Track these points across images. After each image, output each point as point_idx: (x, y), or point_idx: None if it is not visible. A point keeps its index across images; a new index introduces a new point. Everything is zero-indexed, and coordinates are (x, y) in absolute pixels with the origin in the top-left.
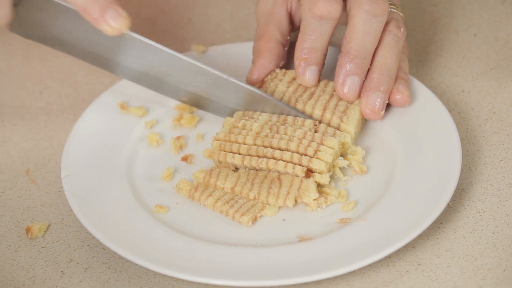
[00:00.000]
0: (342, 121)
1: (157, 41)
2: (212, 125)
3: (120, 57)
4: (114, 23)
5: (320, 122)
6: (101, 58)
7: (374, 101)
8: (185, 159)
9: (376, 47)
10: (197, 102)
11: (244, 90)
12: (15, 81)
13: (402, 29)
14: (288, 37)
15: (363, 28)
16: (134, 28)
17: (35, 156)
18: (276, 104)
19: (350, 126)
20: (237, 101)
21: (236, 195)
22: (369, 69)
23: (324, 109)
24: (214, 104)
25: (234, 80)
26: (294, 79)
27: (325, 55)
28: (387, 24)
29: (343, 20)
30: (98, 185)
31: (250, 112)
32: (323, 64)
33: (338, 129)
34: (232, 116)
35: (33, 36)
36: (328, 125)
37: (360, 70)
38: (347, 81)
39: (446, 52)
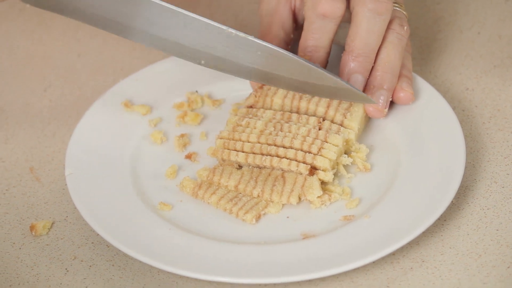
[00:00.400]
0: (345, 117)
1: None
2: (217, 123)
3: (135, 22)
4: None
5: (324, 119)
6: (116, 24)
7: (377, 99)
8: (189, 157)
9: (379, 45)
10: (216, 64)
11: (264, 48)
12: (19, 79)
13: (405, 27)
14: (292, 36)
15: (366, 27)
16: None
17: (39, 154)
18: (297, 62)
19: (354, 122)
20: (257, 60)
21: (240, 193)
22: (373, 67)
23: (328, 106)
24: (234, 65)
25: (254, 39)
26: None
27: (329, 53)
28: (390, 22)
29: (347, 18)
30: (102, 183)
31: (254, 110)
32: (327, 62)
33: (341, 125)
34: (251, 79)
35: (45, 4)
36: (332, 121)
37: (363, 69)
38: (351, 80)
39: (450, 50)
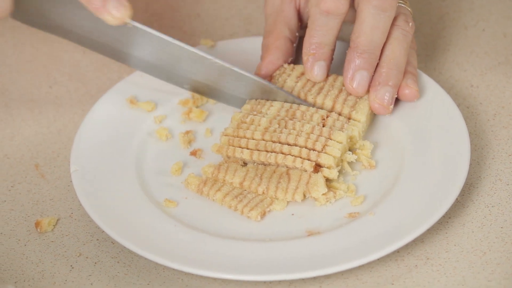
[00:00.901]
0: (353, 109)
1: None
2: (222, 120)
3: (126, 47)
4: (116, 12)
5: (331, 111)
6: (106, 47)
7: (383, 95)
8: (194, 153)
9: (384, 42)
10: (208, 92)
11: (254, 82)
12: (24, 76)
13: (410, 24)
14: (297, 34)
15: (371, 23)
16: (142, 22)
17: (44, 151)
18: (286, 96)
19: (361, 115)
20: (248, 92)
21: (245, 190)
22: (378, 63)
23: (335, 100)
24: (225, 95)
25: (244, 72)
26: (302, 74)
27: (333, 50)
28: (395, 18)
29: (351, 17)
30: (107, 180)
31: (259, 107)
32: (332, 59)
33: (349, 118)
34: (245, 106)
35: (36, 24)
36: (340, 114)
37: (369, 65)
38: (356, 76)
39: (455, 47)
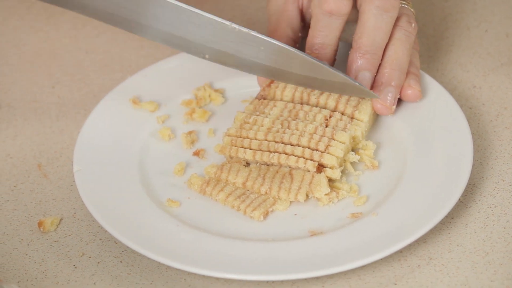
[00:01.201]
0: (356, 109)
1: None
2: (224, 120)
3: (144, 19)
4: None
5: (334, 111)
6: (123, 20)
7: (385, 96)
8: (196, 153)
9: (387, 43)
10: (220, 59)
11: (272, 45)
12: (27, 76)
13: (413, 24)
14: (300, 34)
15: (374, 24)
16: None
17: (47, 151)
18: (304, 60)
19: (363, 115)
20: (260, 55)
21: (248, 190)
22: (380, 64)
23: (338, 100)
24: (238, 60)
25: (262, 36)
26: None
27: (336, 50)
28: (398, 19)
29: (354, 17)
30: (110, 180)
31: (262, 107)
32: (334, 59)
33: (352, 118)
34: (261, 75)
35: (56, 0)
36: (342, 114)
37: (371, 66)
38: (358, 77)
39: (457, 48)
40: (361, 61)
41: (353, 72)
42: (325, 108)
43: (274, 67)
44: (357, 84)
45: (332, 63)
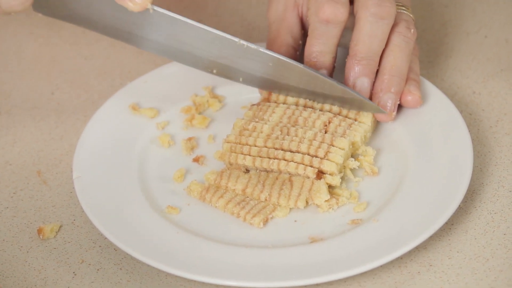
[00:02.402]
0: (358, 114)
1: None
2: (224, 126)
3: (146, 32)
4: None
5: (338, 114)
6: (125, 33)
7: (385, 102)
8: (196, 160)
9: (386, 49)
10: (225, 73)
11: (272, 58)
12: (26, 82)
13: (412, 30)
14: (300, 42)
15: (369, 31)
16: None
17: (46, 157)
18: (304, 71)
19: (367, 118)
20: (268, 70)
21: (247, 197)
22: (379, 70)
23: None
24: (251, 77)
25: (270, 53)
26: None
27: (335, 57)
28: (396, 25)
29: (351, 23)
30: (109, 186)
31: (261, 113)
32: (333, 66)
33: (356, 120)
34: (262, 88)
35: (57, 14)
36: (346, 117)
37: (368, 71)
38: (357, 83)
39: (457, 54)
40: (358, 68)
41: (351, 79)
42: (330, 111)
43: (282, 82)
44: (358, 95)
45: (332, 70)
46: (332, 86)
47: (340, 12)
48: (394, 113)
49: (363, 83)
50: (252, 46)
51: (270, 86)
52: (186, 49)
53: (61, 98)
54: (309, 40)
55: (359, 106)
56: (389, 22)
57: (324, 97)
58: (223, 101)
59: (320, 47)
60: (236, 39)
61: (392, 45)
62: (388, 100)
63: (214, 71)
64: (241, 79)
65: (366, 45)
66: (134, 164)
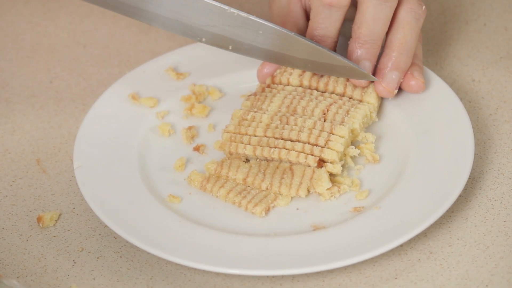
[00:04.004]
0: (364, 93)
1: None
2: (224, 115)
3: (141, 3)
4: None
5: (343, 95)
6: (121, 4)
7: (390, 78)
8: (197, 149)
9: (394, 24)
10: (215, 41)
11: (271, 29)
12: (25, 71)
13: (423, 7)
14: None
15: (373, 14)
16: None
17: (46, 145)
18: (304, 44)
19: (372, 98)
20: (265, 40)
21: (248, 186)
22: (386, 46)
23: (345, 87)
24: (241, 45)
25: (260, 20)
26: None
27: (336, 42)
28: (407, 1)
29: (351, 16)
30: (110, 176)
31: (259, 103)
32: (335, 51)
33: (361, 101)
34: (259, 58)
35: None
36: (351, 98)
37: (371, 55)
38: (359, 66)
39: (456, 42)
40: (360, 51)
41: (353, 62)
42: (333, 93)
43: (273, 50)
44: (356, 67)
45: None
46: (327, 54)
47: None
48: (396, 90)
49: (365, 67)
50: (243, 14)
51: (260, 54)
52: (175, 18)
53: (60, 86)
54: (311, 24)
55: (356, 75)
56: (392, 5)
57: (322, 66)
58: (223, 90)
59: (322, 31)
60: (226, 7)
61: (402, 21)
62: (394, 78)
63: (203, 39)
64: (230, 47)
65: (370, 28)
66: (135, 154)
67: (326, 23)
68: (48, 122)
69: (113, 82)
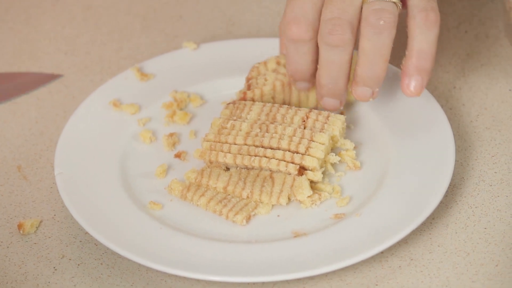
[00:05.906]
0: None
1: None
2: (206, 122)
3: None
4: None
5: (314, 109)
6: None
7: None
8: (178, 156)
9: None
10: None
11: None
12: None
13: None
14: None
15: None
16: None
17: (27, 152)
18: None
19: (336, 125)
20: None
21: (229, 195)
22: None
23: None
24: None
25: None
26: (278, 63)
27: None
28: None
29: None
30: (91, 182)
31: (238, 111)
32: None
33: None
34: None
35: None
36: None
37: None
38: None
39: (437, 49)
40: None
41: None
42: (307, 106)
43: None
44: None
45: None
46: None
47: (303, 31)
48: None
49: (329, 102)
50: None
51: None
52: None
53: (41, 93)
54: (285, 59)
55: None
56: (390, 35)
57: None
58: (204, 97)
59: (294, 66)
60: None
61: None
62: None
63: None
64: None
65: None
66: (116, 160)
67: (296, 57)
68: (29, 129)
69: (94, 89)
